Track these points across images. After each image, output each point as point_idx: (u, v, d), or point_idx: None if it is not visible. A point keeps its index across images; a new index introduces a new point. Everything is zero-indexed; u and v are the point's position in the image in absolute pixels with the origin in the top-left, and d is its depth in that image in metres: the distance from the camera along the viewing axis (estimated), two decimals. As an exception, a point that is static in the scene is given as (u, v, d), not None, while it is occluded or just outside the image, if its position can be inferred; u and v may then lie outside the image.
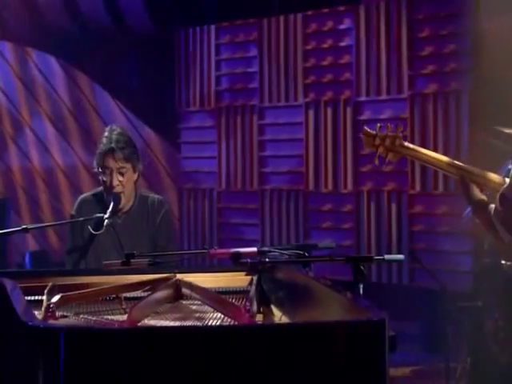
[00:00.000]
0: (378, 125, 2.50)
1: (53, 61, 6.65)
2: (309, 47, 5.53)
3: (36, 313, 2.13)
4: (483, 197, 2.41)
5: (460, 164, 2.47)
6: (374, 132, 2.53)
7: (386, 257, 2.30)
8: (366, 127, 2.52)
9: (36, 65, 6.73)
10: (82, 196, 3.33)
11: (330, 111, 5.42)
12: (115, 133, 3.22)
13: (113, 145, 3.17)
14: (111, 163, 3.19)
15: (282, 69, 5.64)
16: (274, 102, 5.70)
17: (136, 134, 6.32)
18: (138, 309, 2.14)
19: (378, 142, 2.51)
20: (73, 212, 3.30)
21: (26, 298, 2.24)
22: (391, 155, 2.50)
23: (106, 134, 3.23)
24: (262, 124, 5.77)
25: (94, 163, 3.25)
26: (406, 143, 2.52)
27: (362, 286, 2.14)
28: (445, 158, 2.51)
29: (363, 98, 5.26)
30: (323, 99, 5.45)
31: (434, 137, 4.92)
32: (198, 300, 2.42)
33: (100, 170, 3.21)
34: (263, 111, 5.76)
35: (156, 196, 3.36)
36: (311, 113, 5.49)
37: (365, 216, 5.24)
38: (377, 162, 2.48)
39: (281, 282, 2.45)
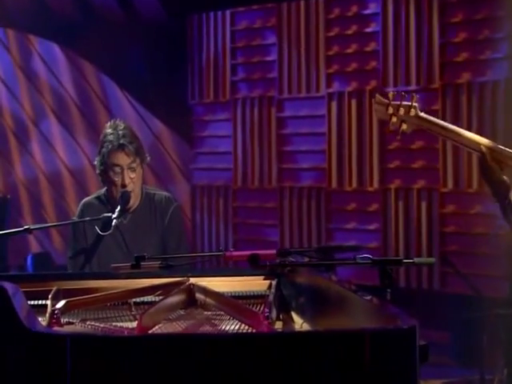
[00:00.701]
0: (391, 93, 2.48)
1: (57, 49, 6.69)
2: (331, 34, 5.51)
3: (39, 319, 2.14)
4: (505, 179, 2.38)
5: (484, 140, 2.44)
6: (387, 100, 2.51)
7: (416, 260, 2.30)
8: (378, 94, 2.51)
9: (39, 54, 6.77)
10: (85, 200, 3.35)
11: (354, 103, 5.40)
12: (121, 128, 3.24)
13: (122, 141, 3.19)
14: (121, 160, 3.21)
15: (303, 57, 5.64)
16: (294, 93, 5.69)
17: (146, 128, 6.35)
18: (149, 315, 2.15)
19: (391, 111, 2.49)
20: (74, 218, 3.32)
21: (28, 302, 2.26)
22: (405, 126, 2.47)
23: (111, 130, 3.24)
24: (281, 117, 5.76)
25: (98, 163, 3.26)
26: (422, 113, 2.49)
27: (389, 291, 2.13)
28: (466, 133, 2.48)
29: (391, 89, 5.24)
30: (347, 90, 5.44)
31: (468, 129, 4.88)
32: (213, 306, 2.43)
33: (109, 169, 3.22)
34: (282, 103, 5.76)
35: (163, 193, 3.37)
36: (334, 105, 5.48)
37: (392, 216, 5.22)
38: (391, 128, 2.45)
39: (302, 287, 2.45)
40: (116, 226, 3.20)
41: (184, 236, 3.38)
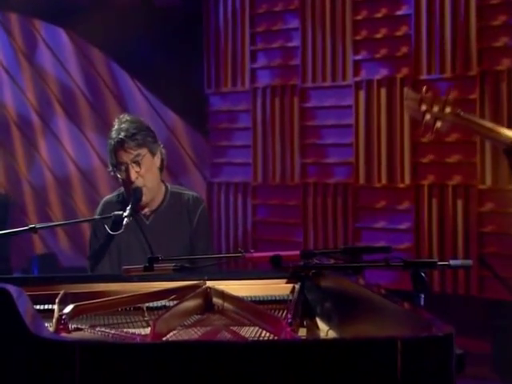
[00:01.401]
0: (424, 87, 2.45)
1: (64, 35, 6.73)
2: (359, 17, 5.50)
3: (46, 325, 2.16)
4: None
5: None
6: (420, 95, 2.47)
7: (451, 262, 2.29)
8: (409, 89, 2.47)
9: (44, 40, 6.81)
10: (106, 198, 3.41)
11: (383, 92, 5.38)
12: (123, 120, 3.26)
13: (121, 135, 3.22)
14: (124, 156, 3.23)
15: (328, 43, 5.63)
16: (319, 81, 5.68)
17: (158, 120, 6.37)
18: (163, 321, 2.16)
19: (424, 107, 2.44)
20: (96, 216, 3.35)
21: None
22: (440, 124, 2.43)
23: (116, 125, 3.28)
24: (305, 107, 5.76)
25: (109, 165, 3.30)
26: (460, 111, 2.45)
27: (422, 296, 2.13)
28: (506, 131, 2.44)
29: (424, 77, 5.21)
30: (376, 78, 5.42)
31: (509, 120, 4.86)
32: (232, 311, 2.44)
33: (115, 168, 3.25)
34: (306, 92, 5.75)
35: (190, 192, 3.39)
36: (362, 94, 5.46)
37: (425, 214, 5.20)
38: (425, 126, 2.42)
39: (327, 291, 2.45)
40: (139, 226, 3.23)
41: (210, 238, 3.40)
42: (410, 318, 1.92)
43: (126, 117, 3.29)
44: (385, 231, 5.34)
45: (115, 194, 3.37)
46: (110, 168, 3.28)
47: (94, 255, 3.31)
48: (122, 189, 3.34)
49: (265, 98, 5.95)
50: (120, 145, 3.21)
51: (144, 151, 3.24)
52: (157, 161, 3.30)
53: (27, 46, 6.86)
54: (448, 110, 2.41)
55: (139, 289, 2.57)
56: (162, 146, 3.33)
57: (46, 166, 6.89)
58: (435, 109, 2.42)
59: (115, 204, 3.31)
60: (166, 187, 3.36)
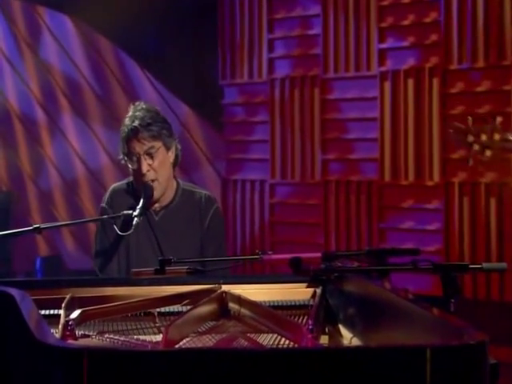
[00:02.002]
0: (470, 118, 2.45)
1: (69, 23, 6.75)
2: (385, 2, 5.48)
3: (51, 331, 2.18)
4: None
5: None
6: (465, 126, 2.48)
7: (485, 265, 2.28)
8: (454, 123, 2.48)
9: (49, 28, 6.84)
10: (114, 185, 3.40)
11: (411, 83, 5.36)
12: (139, 108, 3.26)
13: (136, 123, 3.22)
14: (137, 147, 3.23)
15: (351, 30, 5.61)
16: (341, 72, 5.67)
17: (170, 113, 6.37)
18: (176, 327, 2.17)
19: (471, 138, 2.46)
20: (103, 204, 3.35)
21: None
22: (489, 152, 2.44)
23: (130, 113, 3.28)
24: (326, 99, 5.75)
25: (120, 154, 3.30)
26: (509, 135, 2.45)
27: (453, 301, 2.12)
28: None
29: (454, 67, 5.19)
30: (403, 68, 5.40)
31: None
32: (249, 317, 2.44)
33: (126, 158, 3.25)
34: (327, 84, 5.75)
35: (203, 191, 3.40)
36: (388, 85, 5.45)
37: (456, 214, 5.18)
38: (471, 163, 2.43)
39: (351, 296, 2.45)
40: (148, 222, 3.24)
41: (224, 243, 3.40)
42: (440, 324, 1.92)
43: (141, 104, 3.29)
44: (412, 232, 5.32)
45: (124, 181, 3.38)
46: (121, 157, 3.29)
47: (101, 254, 3.31)
48: (130, 178, 3.35)
49: (283, 89, 5.94)
50: (133, 134, 3.21)
51: (158, 144, 3.24)
52: (171, 156, 3.31)
53: (30, 35, 6.89)
54: (497, 136, 2.41)
55: (150, 293, 2.58)
56: (177, 140, 3.33)
57: (50, 162, 6.92)
58: (483, 137, 2.43)
59: (124, 193, 3.32)
60: (178, 183, 3.36)
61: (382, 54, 5.48)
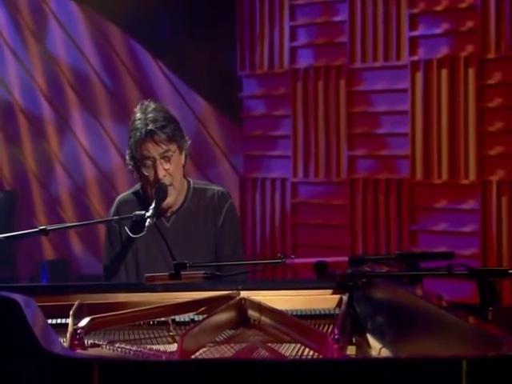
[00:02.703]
0: None
1: (76, 9, 6.78)
2: (416, -14, 5.47)
3: (59, 340, 2.19)
4: None
5: None
6: None
7: (525, 270, 2.27)
8: None
9: (54, 15, 6.87)
10: (120, 196, 3.40)
11: (445, 73, 5.35)
12: (150, 110, 3.27)
13: (150, 126, 3.22)
14: (152, 150, 3.24)
15: (380, 16, 5.60)
16: (369, 61, 5.66)
17: (185, 107, 6.40)
18: (192, 336, 2.18)
19: None
20: (112, 217, 3.36)
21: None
22: None
23: (138, 115, 3.28)
24: (353, 91, 5.75)
25: (128, 157, 3.30)
26: None
27: (491, 309, 2.11)
28: None
29: (492, 55, 5.17)
30: (436, 57, 5.38)
31: None
32: (270, 326, 2.45)
33: (139, 163, 3.26)
34: (354, 74, 5.74)
35: (216, 188, 3.40)
36: (419, 76, 5.44)
37: (493, 215, 5.16)
38: None
39: (380, 304, 2.45)
40: (158, 229, 3.25)
41: (240, 240, 3.40)
42: (477, 334, 1.91)
43: (150, 105, 3.29)
44: (446, 235, 5.31)
45: (130, 191, 3.38)
46: (131, 162, 3.29)
47: (107, 264, 3.33)
48: (137, 186, 3.36)
49: (306, 80, 5.94)
50: (149, 136, 3.21)
51: (174, 147, 3.25)
52: (182, 158, 3.32)
53: (35, 22, 6.92)
54: None
55: (164, 300, 2.59)
56: (189, 141, 3.34)
57: (57, 160, 6.95)
58: None
59: (132, 203, 3.32)
60: (189, 183, 3.37)
61: (413, 42, 5.46)
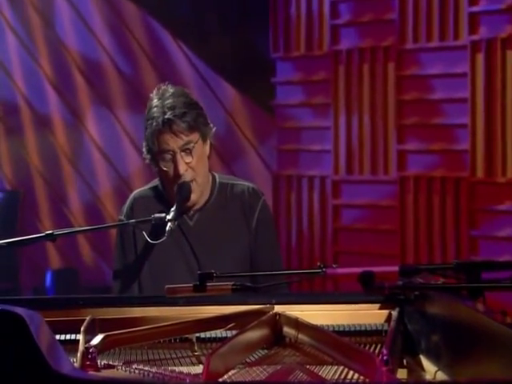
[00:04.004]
0: None
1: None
2: (476, -45, 5.45)
3: (69, 360, 2.20)
4: None
5: None
6: None
7: None
8: None
9: (62, -9, 6.91)
10: (136, 192, 3.39)
11: (510, 55, 5.31)
12: (167, 95, 3.26)
13: (168, 115, 3.21)
14: (171, 142, 3.23)
15: (434, -10, 5.59)
16: (422, 41, 5.64)
17: (210, 94, 6.41)
18: (219, 356, 2.19)
19: None
20: (121, 216, 3.36)
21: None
22: None
23: (155, 101, 3.26)
24: (403, 76, 5.73)
25: (144, 149, 3.31)
26: None
27: None
28: None
29: None
30: (500, 36, 5.35)
31: None
32: (308, 345, 2.45)
33: (157, 156, 3.26)
34: (405, 56, 5.72)
35: (246, 184, 3.40)
36: (481, 58, 5.41)
37: None
38: None
39: (435, 320, 2.44)
40: (180, 229, 3.23)
41: (277, 245, 3.40)
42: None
43: (169, 89, 3.28)
44: (511, 241, 5.28)
45: (148, 186, 3.38)
46: (148, 156, 3.29)
47: (119, 271, 3.33)
48: (156, 182, 3.36)
49: (350, 64, 5.93)
50: (167, 127, 3.21)
51: (196, 137, 3.24)
52: (207, 148, 3.31)
53: (40, 0, 6.97)
54: None
55: (187, 315, 2.60)
56: (214, 128, 3.33)
57: (64, 155, 6.99)
58: None
59: (149, 200, 3.32)
60: (214, 177, 3.37)
61: (474, 20, 5.43)
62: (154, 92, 3.30)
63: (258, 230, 3.31)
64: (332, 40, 6.00)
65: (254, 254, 3.30)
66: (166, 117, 3.21)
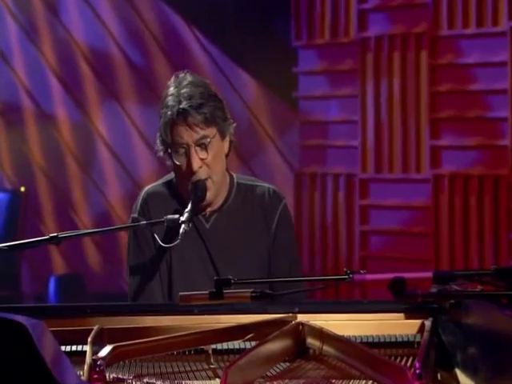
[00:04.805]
0: None
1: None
2: None
3: (76, 372, 2.21)
4: None
5: None
6: None
7: None
8: None
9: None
10: (148, 188, 3.40)
11: (554, 42, 5.31)
12: (185, 83, 3.26)
13: (183, 105, 3.22)
14: (185, 135, 3.24)
15: (471, -29, 5.58)
16: (458, 27, 5.63)
17: (227, 85, 6.41)
18: (238, 370, 2.19)
19: None
20: (134, 214, 3.36)
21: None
22: None
23: (171, 89, 3.27)
24: (437, 65, 5.72)
25: (158, 140, 3.31)
26: None
27: None
28: None
29: None
30: (543, 21, 5.35)
31: None
32: (334, 357, 2.45)
33: (171, 149, 3.27)
34: (439, 44, 5.71)
35: (266, 185, 3.40)
36: (522, 45, 5.40)
37: None
38: None
39: (472, 331, 2.44)
40: (196, 231, 3.24)
41: (297, 252, 3.40)
42: None
43: (187, 77, 3.28)
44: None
45: (161, 181, 3.38)
46: (161, 147, 3.29)
47: (135, 277, 3.33)
48: (170, 176, 3.37)
49: (379, 52, 5.92)
50: (182, 118, 3.21)
51: (213, 132, 3.24)
52: (225, 145, 3.32)
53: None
54: None
55: (203, 324, 2.60)
56: (234, 124, 3.33)
57: (68, 151, 7.00)
58: None
59: (163, 197, 3.33)
60: (231, 177, 3.37)
61: (514, 4, 5.43)
62: (172, 79, 3.30)
63: (277, 234, 3.31)
64: (359, 26, 6.00)
65: (272, 258, 3.31)
66: (182, 107, 3.21)
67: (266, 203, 3.33)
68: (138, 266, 3.34)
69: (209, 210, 3.33)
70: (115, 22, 6.79)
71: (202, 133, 3.23)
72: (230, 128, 3.31)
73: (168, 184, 3.36)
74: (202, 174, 3.25)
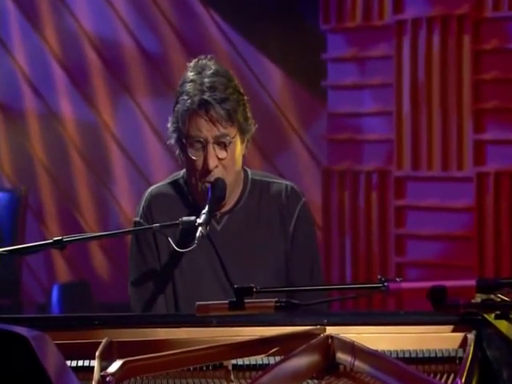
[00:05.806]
0: None
1: None
2: None
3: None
4: None
5: None
6: None
7: None
8: None
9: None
10: (153, 188, 3.39)
11: None
12: (208, 72, 3.26)
13: (206, 95, 3.21)
14: (204, 129, 3.24)
15: None
16: (504, 9, 5.62)
17: (248, 73, 6.42)
18: (261, 387, 2.20)
19: None
20: (137, 218, 3.37)
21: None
22: None
23: (192, 74, 3.26)
24: (482, 51, 5.71)
25: (170, 129, 3.30)
26: None
27: None
28: None
29: None
30: None
31: None
32: (367, 374, 2.45)
33: (184, 142, 3.27)
34: (483, 27, 5.70)
35: (284, 182, 3.39)
36: None
37: None
38: None
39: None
40: (208, 237, 3.23)
41: (318, 254, 3.40)
42: None
43: (210, 65, 3.27)
44: None
45: (167, 181, 3.38)
46: (173, 135, 3.28)
47: (140, 280, 3.34)
48: (176, 175, 3.37)
49: (416, 36, 5.92)
50: (204, 109, 3.20)
51: (234, 131, 3.24)
52: (244, 147, 3.32)
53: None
54: None
55: (221, 337, 2.60)
56: (256, 126, 3.32)
57: (73, 147, 7.02)
58: None
59: (169, 198, 3.33)
60: (246, 174, 3.37)
61: None
62: (192, 64, 3.28)
63: (295, 237, 3.31)
64: (394, 7, 5.99)
65: (290, 264, 3.30)
66: (205, 97, 3.20)
67: (282, 202, 3.32)
68: (139, 274, 3.34)
69: (220, 210, 3.32)
70: (126, 6, 6.81)
71: (222, 130, 3.23)
72: (251, 130, 3.30)
73: (174, 184, 3.36)
74: (217, 173, 3.25)
